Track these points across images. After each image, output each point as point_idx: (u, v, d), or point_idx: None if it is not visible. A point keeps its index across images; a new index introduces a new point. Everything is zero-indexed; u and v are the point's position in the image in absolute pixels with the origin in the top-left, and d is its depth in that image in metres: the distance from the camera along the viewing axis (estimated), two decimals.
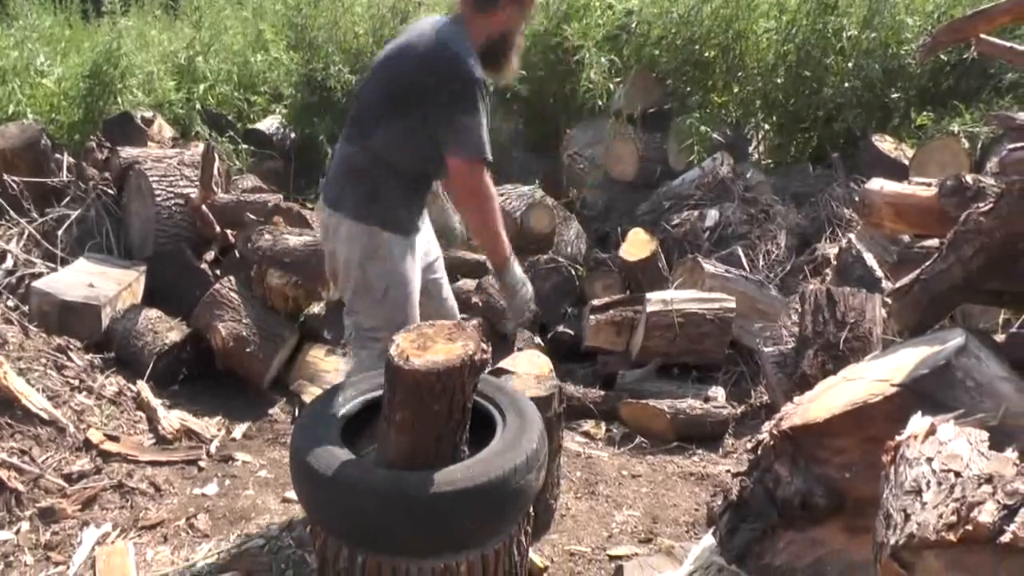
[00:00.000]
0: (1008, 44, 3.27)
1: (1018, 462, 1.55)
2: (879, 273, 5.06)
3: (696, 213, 6.29)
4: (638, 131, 7.24)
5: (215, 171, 5.71)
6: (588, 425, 5.01)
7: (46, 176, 5.94)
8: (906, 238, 5.04)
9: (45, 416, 4.04)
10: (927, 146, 6.16)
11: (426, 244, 3.75)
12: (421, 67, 3.30)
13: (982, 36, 3.12)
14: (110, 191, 5.98)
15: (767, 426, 2.30)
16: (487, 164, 3.29)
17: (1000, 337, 2.89)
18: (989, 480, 1.46)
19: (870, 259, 5.17)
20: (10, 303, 5.06)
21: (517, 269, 3.58)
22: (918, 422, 1.74)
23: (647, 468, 4.53)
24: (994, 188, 2.51)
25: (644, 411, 4.88)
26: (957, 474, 1.53)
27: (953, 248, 2.45)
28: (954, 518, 1.41)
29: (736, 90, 7.54)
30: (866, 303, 4.15)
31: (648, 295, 5.26)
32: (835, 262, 5.50)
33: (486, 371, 2.79)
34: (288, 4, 8.74)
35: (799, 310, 4.54)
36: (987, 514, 1.37)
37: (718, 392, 5.02)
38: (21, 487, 3.69)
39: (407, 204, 3.49)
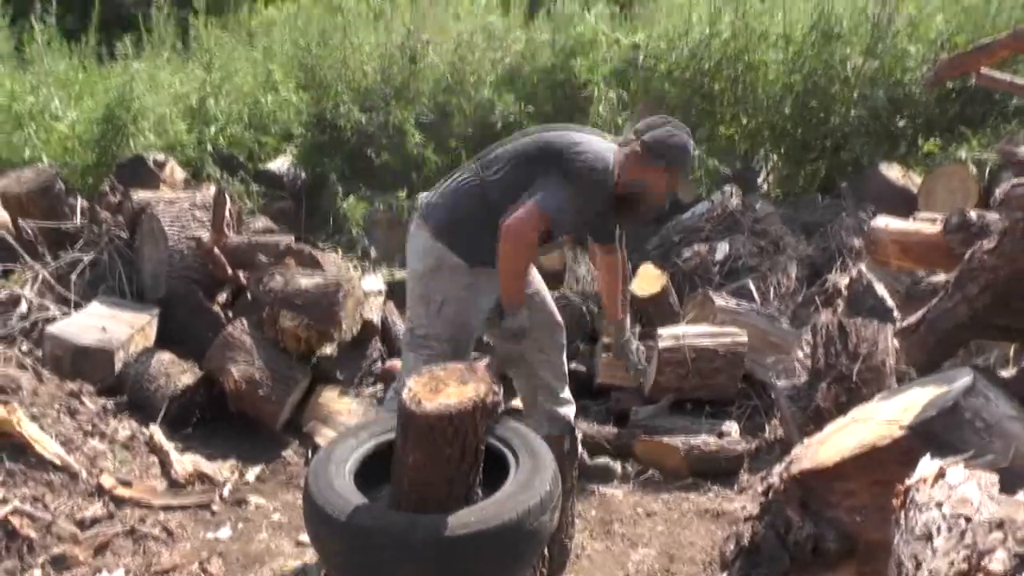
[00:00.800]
0: (1008, 77, 3.28)
1: None
2: (890, 303, 5.05)
3: (706, 246, 6.28)
4: None
5: (226, 213, 5.73)
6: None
7: (60, 220, 5.99)
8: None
9: (58, 462, 4.05)
10: (935, 173, 6.17)
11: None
12: (563, 146, 3.67)
13: (983, 70, 3.14)
14: (123, 234, 6.00)
15: (777, 469, 2.30)
16: (550, 225, 3.54)
17: (1011, 371, 2.88)
18: (1000, 526, 1.45)
19: (881, 289, 5.16)
20: (24, 348, 5.08)
21: (520, 319, 3.68)
22: (927, 465, 1.73)
23: (662, 506, 4.51)
24: (998, 224, 2.51)
25: (658, 448, 4.86)
26: (968, 519, 1.52)
27: (958, 286, 2.45)
28: (965, 566, 1.40)
29: (744, 122, 7.57)
30: (878, 334, 4.13)
31: (659, 330, 5.24)
32: (846, 292, 5.48)
33: (498, 412, 2.80)
34: (298, 44, 8.82)
35: (811, 342, 4.53)
36: (998, 563, 1.36)
37: (732, 427, 4.99)
38: (33, 534, 3.70)
39: (491, 244, 3.59)
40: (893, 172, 6.62)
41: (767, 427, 5.12)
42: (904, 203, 5.77)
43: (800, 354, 5.08)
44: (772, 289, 5.95)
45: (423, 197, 4.11)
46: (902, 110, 7.21)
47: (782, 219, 6.65)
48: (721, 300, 5.50)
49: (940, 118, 7.25)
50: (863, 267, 5.39)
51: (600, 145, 3.71)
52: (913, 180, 6.48)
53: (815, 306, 5.74)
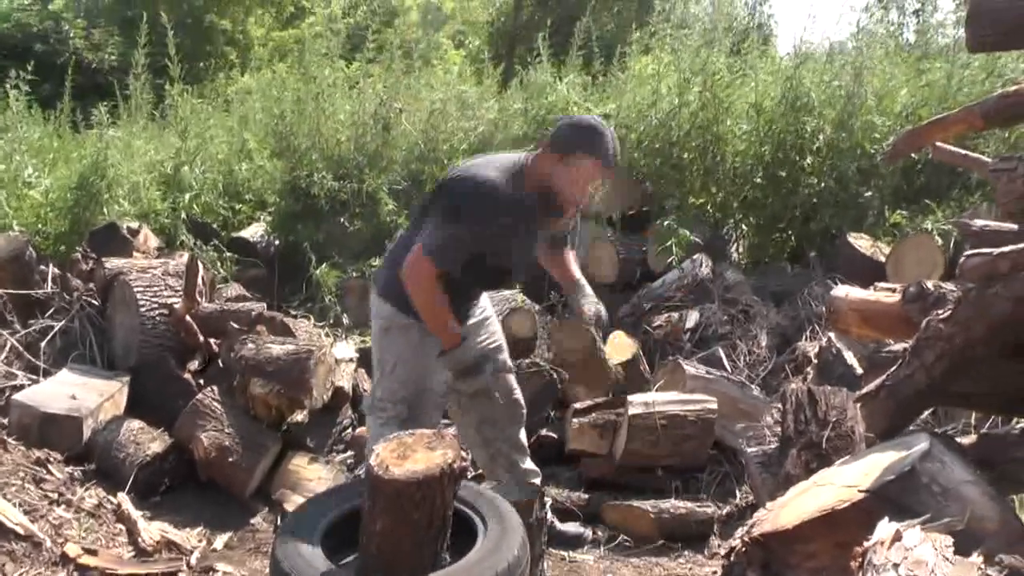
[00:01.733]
0: (963, 151, 3.38)
1: (982, 566, 1.57)
2: (860, 371, 5.09)
3: (677, 315, 6.34)
4: (617, 234, 7.33)
5: (199, 281, 5.74)
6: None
7: (30, 288, 5.96)
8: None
9: (21, 531, 3.99)
10: (903, 243, 6.24)
11: (485, 335, 4.11)
12: (446, 180, 3.76)
13: (938, 144, 3.23)
14: (95, 302, 5.99)
15: (739, 532, 2.32)
16: (435, 266, 3.55)
17: (972, 438, 2.93)
18: None
19: (850, 357, 5.21)
20: None
21: (465, 352, 3.73)
22: (885, 528, 1.76)
23: (632, 570, 4.50)
24: (954, 294, 2.58)
25: (629, 513, 4.86)
26: None
27: (916, 354, 2.50)
28: None
29: (714, 191, 7.67)
30: (847, 401, 4.15)
31: (630, 398, 5.26)
32: (816, 360, 5.53)
33: (467, 477, 2.81)
34: (272, 112, 8.90)
35: (781, 409, 4.56)
36: None
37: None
38: None
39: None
40: (862, 242, 6.71)
41: (738, 493, 5.13)
42: (873, 273, 5.83)
43: (770, 421, 5.11)
44: (742, 357, 5.99)
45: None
46: (869, 180, 7.33)
47: (752, 288, 6.71)
48: (691, 368, 5.53)
49: (907, 189, 7.38)
50: (832, 336, 5.45)
51: (488, 164, 3.70)
52: (881, 250, 6.56)
53: (785, 374, 5.78)
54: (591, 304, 4.06)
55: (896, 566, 1.62)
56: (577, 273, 4.23)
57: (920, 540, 1.69)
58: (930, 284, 2.83)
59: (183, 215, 7.75)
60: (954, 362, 2.39)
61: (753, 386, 5.62)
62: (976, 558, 1.61)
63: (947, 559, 1.61)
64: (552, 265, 4.29)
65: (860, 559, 1.72)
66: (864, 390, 2.85)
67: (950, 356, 2.38)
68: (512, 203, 3.56)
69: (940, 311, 2.45)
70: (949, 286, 2.81)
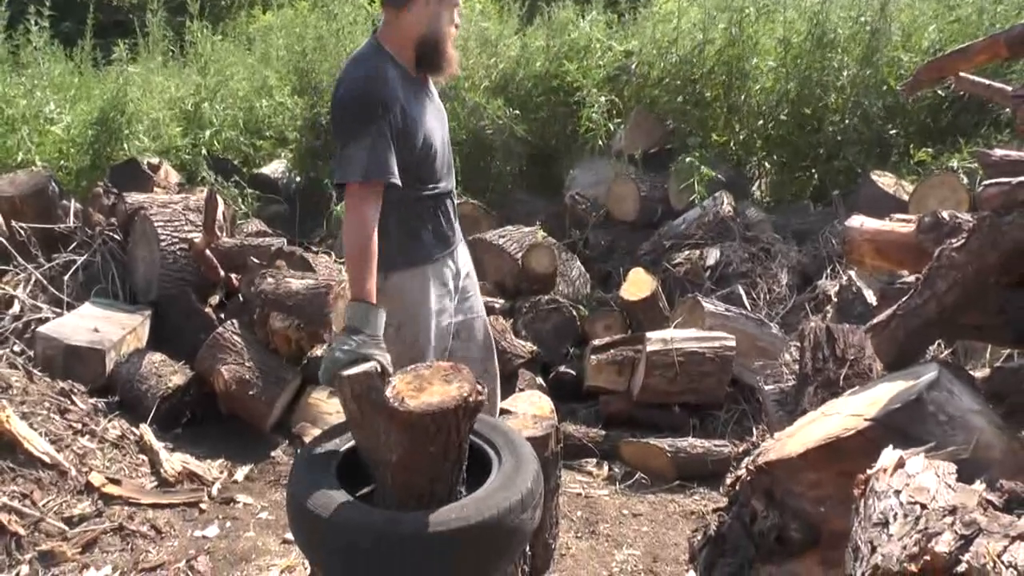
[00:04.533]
0: (986, 81, 3.31)
1: (983, 493, 1.57)
2: None
3: (697, 252, 6.31)
4: (639, 171, 7.28)
5: (218, 215, 5.77)
6: (589, 465, 5.02)
7: (53, 222, 6.00)
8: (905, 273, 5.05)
9: (47, 460, 4.08)
10: (926, 182, 6.17)
11: (463, 275, 3.55)
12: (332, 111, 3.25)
13: (961, 74, 3.18)
14: (116, 236, 6.04)
15: (745, 461, 2.33)
16: (377, 180, 3.00)
17: (985, 371, 2.91)
18: (953, 511, 1.48)
19: (870, 296, 5.18)
20: (16, 348, 5.11)
21: (360, 315, 2.91)
22: (888, 455, 1.76)
23: (648, 507, 4.54)
24: (970, 223, 2.54)
25: (645, 450, 4.90)
26: (923, 506, 1.55)
27: (928, 284, 2.47)
28: (916, 549, 1.43)
29: (737, 129, 7.59)
30: (865, 339, 4.15)
31: (648, 334, 5.27)
32: (836, 299, 5.51)
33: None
34: (293, 49, 8.84)
35: (799, 347, 4.55)
36: (944, 544, 1.39)
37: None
38: (22, 531, 3.73)
39: (408, 232, 3.24)
40: (885, 180, 6.63)
41: (755, 431, 5.15)
42: (895, 211, 5.75)
43: (788, 358, 5.11)
44: (762, 295, 5.97)
45: None
46: (895, 118, 7.23)
47: (773, 226, 6.67)
48: (710, 305, 5.53)
49: (933, 127, 7.28)
50: (853, 274, 5.42)
51: (347, 67, 3.20)
52: (905, 188, 6.49)
53: (805, 312, 5.76)
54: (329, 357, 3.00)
55: (898, 492, 1.62)
56: None
57: (923, 467, 1.69)
58: (945, 214, 2.78)
59: (204, 151, 7.75)
60: (966, 292, 2.36)
61: (772, 324, 5.61)
62: (979, 486, 1.62)
63: (949, 486, 1.62)
64: None
65: (862, 486, 1.73)
66: (875, 320, 2.82)
67: (962, 285, 2.35)
68: (389, 79, 3.10)
69: (954, 240, 2.42)
70: (965, 216, 2.77)
